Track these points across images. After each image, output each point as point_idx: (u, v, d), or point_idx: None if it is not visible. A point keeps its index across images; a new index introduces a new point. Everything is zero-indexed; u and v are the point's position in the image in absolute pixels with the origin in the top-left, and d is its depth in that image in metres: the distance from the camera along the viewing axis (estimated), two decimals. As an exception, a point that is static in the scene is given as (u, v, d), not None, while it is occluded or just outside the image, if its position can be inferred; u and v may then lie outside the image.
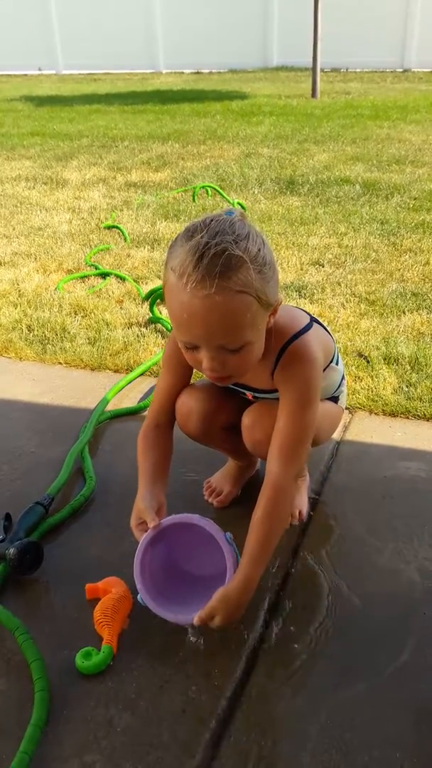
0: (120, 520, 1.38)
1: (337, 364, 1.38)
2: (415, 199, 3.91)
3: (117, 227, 3.47)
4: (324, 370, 1.29)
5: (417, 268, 2.83)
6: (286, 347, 1.17)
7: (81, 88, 11.62)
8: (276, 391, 1.22)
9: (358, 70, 13.07)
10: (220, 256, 0.98)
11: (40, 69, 15.36)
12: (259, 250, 1.03)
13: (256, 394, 1.30)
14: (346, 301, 2.53)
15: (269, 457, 1.18)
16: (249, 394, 1.31)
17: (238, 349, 1.06)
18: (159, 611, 1.15)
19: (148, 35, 14.13)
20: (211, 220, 1.02)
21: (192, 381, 1.35)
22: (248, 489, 1.53)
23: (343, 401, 1.49)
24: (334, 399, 1.45)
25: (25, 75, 15.12)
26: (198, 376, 1.29)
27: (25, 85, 12.93)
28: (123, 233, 3.36)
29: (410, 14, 12.74)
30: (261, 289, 1.03)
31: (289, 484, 1.18)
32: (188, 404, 1.33)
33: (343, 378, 1.45)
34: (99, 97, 9.76)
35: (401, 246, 3.11)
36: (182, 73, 13.81)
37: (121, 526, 1.29)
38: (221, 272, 0.98)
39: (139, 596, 1.16)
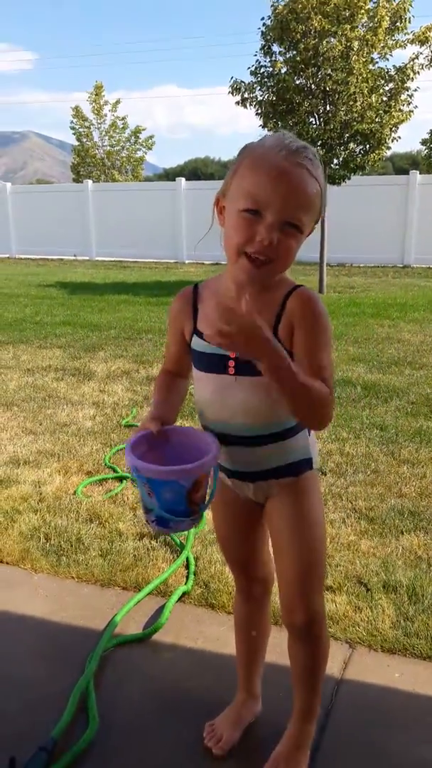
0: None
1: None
2: (412, 403, 4.18)
3: (137, 426, 3.74)
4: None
5: (414, 482, 2.99)
6: (292, 292, 1.22)
7: (111, 275, 12.88)
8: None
9: (361, 265, 14.43)
10: (307, 148, 1.15)
11: (75, 255, 17.15)
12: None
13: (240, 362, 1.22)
14: (347, 517, 2.66)
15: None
16: (231, 362, 1.24)
17: (291, 231, 1.15)
18: (158, 469, 1.18)
19: (173, 229, 15.93)
20: None
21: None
22: (250, 737, 1.55)
23: (316, 458, 1.40)
24: (309, 463, 1.36)
25: (62, 259, 16.84)
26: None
27: (61, 269, 14.35)
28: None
29: (408, 216, 14.36)
30: (321, 196, 1.17)
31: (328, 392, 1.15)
32: None
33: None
34: (127, 286, 10.80)
35: (399, 456, 3.31)
36: (203, 263, 15.28)
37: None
38: (308, 157, 1.14)
39: (133, 472, 1.19)
